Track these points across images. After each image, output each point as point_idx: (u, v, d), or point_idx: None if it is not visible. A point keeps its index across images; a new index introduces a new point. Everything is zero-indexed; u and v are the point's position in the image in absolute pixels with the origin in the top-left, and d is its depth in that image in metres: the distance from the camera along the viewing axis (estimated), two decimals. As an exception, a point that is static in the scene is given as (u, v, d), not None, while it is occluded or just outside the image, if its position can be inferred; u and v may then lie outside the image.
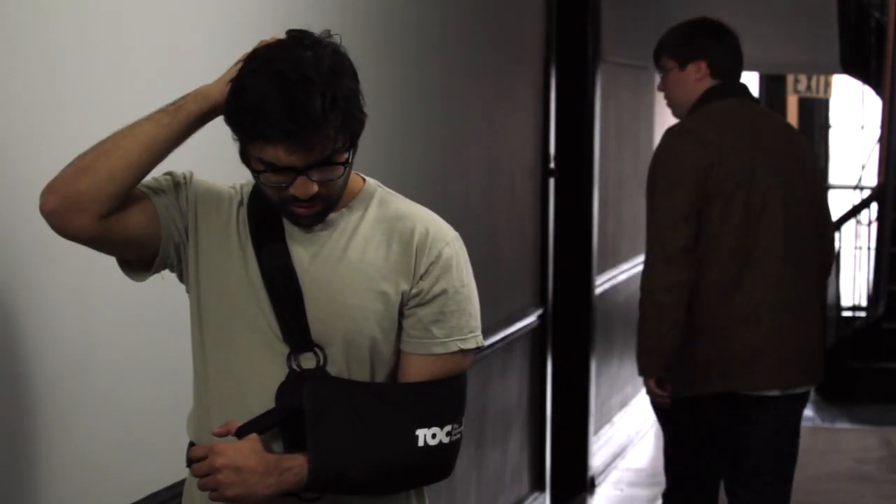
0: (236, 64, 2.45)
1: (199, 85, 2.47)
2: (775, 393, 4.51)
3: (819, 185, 4.67)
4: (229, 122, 2.41)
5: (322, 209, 2.45)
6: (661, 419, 4.72)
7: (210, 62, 3.22)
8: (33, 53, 2.64)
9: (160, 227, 2.49)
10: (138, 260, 2.53)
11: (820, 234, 4.62)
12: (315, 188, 2.40)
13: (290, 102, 2.33)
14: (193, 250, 2.52)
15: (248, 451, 2.42)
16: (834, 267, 10.30)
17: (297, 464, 2.44)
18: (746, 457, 4.59)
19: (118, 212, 2.43)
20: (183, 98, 2.47)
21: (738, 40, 4.67)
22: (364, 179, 2.57)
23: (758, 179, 4.48)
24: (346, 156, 2.41)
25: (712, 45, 4.62)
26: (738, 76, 4.69)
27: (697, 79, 4.61)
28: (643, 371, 4.54)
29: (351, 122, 2.39)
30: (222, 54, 3.22)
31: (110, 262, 2.81)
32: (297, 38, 2.41)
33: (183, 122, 2.45)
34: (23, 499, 2.64)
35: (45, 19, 2.67)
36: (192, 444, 2.55)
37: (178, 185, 2.53)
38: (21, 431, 2.64)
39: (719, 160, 4.46)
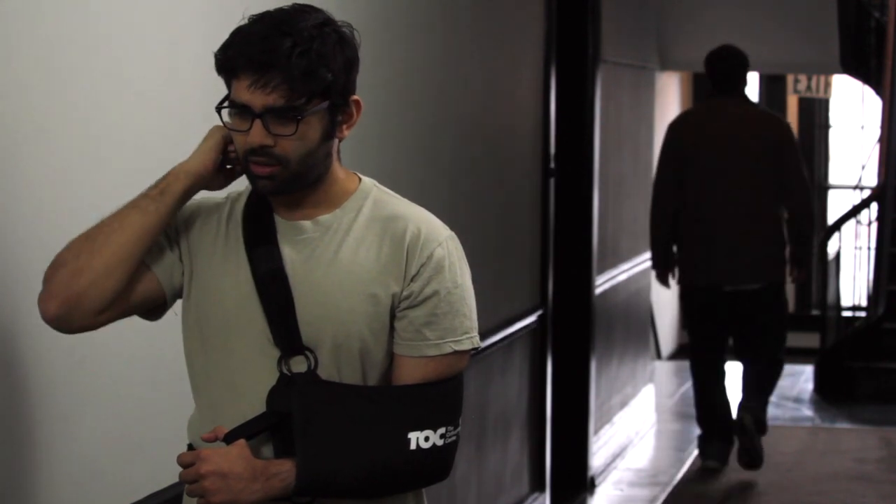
0: (212, 133, 2.48)
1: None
2: (728, 288, 6.99)
3: (784, 154, 6.97)
4: (216, 62, 2.43)
5: (278, 174, 2.42)
6: None
7: (209, 60, 3.22)
8: (33, 53, 2.64)
9: (160, 280, 2.51)
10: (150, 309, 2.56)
11: (785, 185, 6.97)
12: (269, 139, 2.39)
13: (262, 38, 2.38)
14: (188, 266, 2.53)
15: (234, 457, 2.41)
16: (834, 266, 10.36)
17: (285, 469, 2.43)
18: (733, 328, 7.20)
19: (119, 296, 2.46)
20: (164, 179, 2.47)
21: (733, 59, 7.07)
22: (360, 179, 2.56)
23: (717, 148, 7.00)
24: (304, 112, 2.39)
25: (712, 66, 7.15)
26: (732, 83, 7.09)
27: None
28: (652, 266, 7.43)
29: (316, 77, 2.39)
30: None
31: (110, 262, 2.81)
32: (303, 7, 2.46)
33: (170, 204, 2.46)
34: (23, 499, 2.64)
35: (44, 18, 2.67)
36: (190, 447, 2.55)
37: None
38: (21, 431, 2.64)
39: (688, 135, 7.13)
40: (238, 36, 2.41)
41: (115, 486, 2.92)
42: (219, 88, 2.47)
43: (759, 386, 7.22)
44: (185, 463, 2.44)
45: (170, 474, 2.96)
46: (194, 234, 2.53)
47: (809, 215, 7.05)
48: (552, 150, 6.41)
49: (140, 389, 2.99)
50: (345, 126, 2.49)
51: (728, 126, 7.04)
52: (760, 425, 7.18)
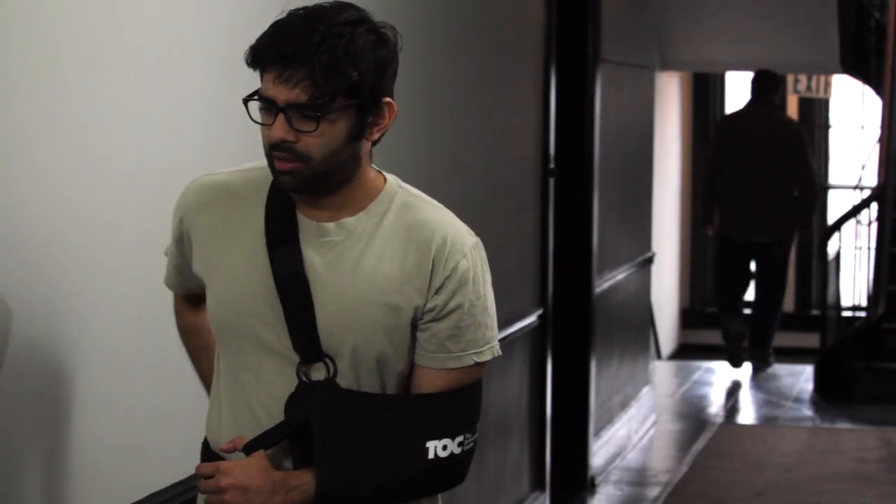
0: None
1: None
2: (756, 239, 10.12)
3: (796, 148, 10.06)
4: (247, 55, 2.39)
5: (299, 171, 2.37)
6: None
7: (209, 58, 3.22)
8: (33, 53, 2.64)
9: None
10: None
11: (796, 171, 10.05)
12: (291, 135, 2.35)
13: (293, 32, 2.34)
14: (198, 263, 2.51)
15: (254, 470, 2.39)
16: (834, 266, 10.37)
17: (305, 481, 2.41)
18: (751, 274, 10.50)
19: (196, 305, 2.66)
20: None
21: (765, 77, 10.16)
22: (385, 180, 2.52)
23: (747, 143, 10.00)
24: (326, 109, 2.34)
25: (753, 81, 10.26)
26: (763, 94, 10.13)
27: None
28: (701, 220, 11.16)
29: (340, 75, 2.33)
30: (222, 50, 3.22)
31: (110, 262, 2.81)
32: (342, 4, 2.42)
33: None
34: (23, 499, 2.64)
35: (44, 18, 2.67)
36: (205, 445, 2.54)
37: (177, 240, 2.58)
38: (21, 431, 2.64)
39: (728, 131, 10.42)
40: (272, 29, 2.37)
41: (115, 486, 2.92)
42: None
43: (765, 324, 10.45)
44: (204, 474, 2.43)
45: (170, 474, 2.97)
46: (197, 234, 2.50)
47: (812, 194, 10.14)
48: (552, 150, 6.41)
49: (141, 389, 2.99)
50: (375, 128, 2.44)
51: (757, 126, 10.04)
52: (767, 358, 10.54)
